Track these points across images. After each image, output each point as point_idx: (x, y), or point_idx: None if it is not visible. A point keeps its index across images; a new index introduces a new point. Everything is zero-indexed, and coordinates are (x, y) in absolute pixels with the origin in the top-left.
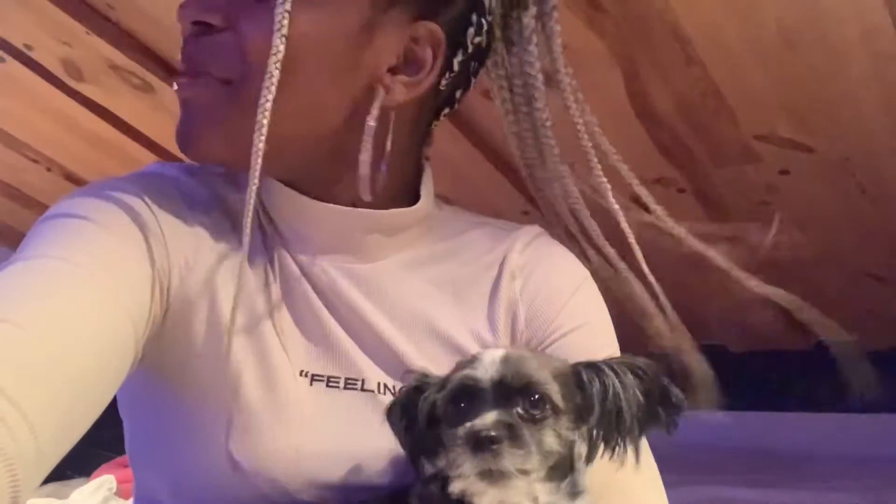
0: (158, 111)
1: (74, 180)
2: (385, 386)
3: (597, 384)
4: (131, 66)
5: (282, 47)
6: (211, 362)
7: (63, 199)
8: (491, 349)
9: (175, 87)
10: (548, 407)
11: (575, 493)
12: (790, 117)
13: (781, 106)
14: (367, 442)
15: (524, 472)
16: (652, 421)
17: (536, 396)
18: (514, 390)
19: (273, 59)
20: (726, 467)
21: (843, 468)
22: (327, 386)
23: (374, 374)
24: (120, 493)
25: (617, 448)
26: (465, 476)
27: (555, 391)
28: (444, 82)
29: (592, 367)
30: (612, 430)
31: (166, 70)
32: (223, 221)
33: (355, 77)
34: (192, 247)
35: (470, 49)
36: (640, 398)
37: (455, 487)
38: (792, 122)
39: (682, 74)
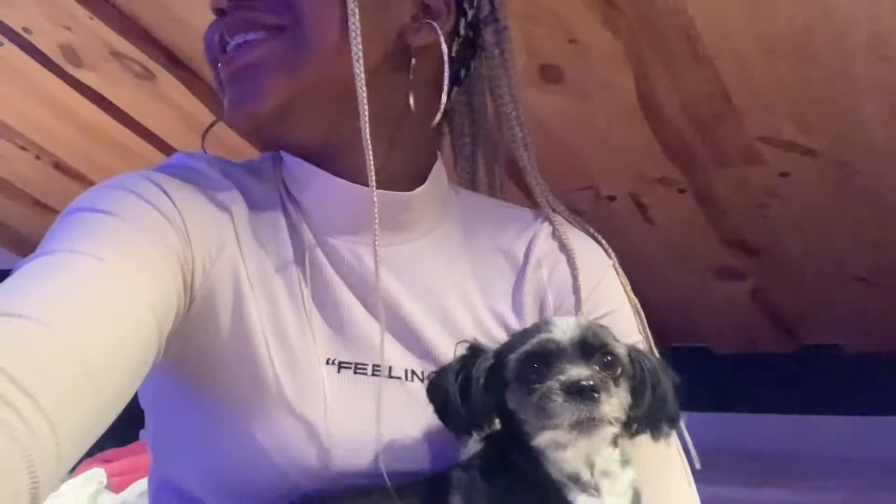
0: (158, 101)
1: (63, 170)
2: (413, 372)
3: (649, 365)
4: (133, 52)
5: None
6: (237, 354)
7: (86, 192)
8: (559, 316)
9: (223, 63)
10: (620, 368)
11: (624, 461)
12: (794, 119)
13: (787, 108)
14: (397, 428)
15: (616, 421)
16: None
17: (610, 357)
18: (593, 349)
19: None
20: (715, 467)
21: (825, 469)
22: (354, 373)
23: (402, 361)
24: (109, 487)
25: (659, 431)
26: (559, 426)
27: (623, 354)
28: (454, 47)
29: (639, 350)
30: (656, 412)
31: (169, 58)
32: (246, 213)
33: (387, 18)
34: (215, 240)
35: (469, 17)
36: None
37: (542, 440)
38: (796, 124)
39: (691, 75)
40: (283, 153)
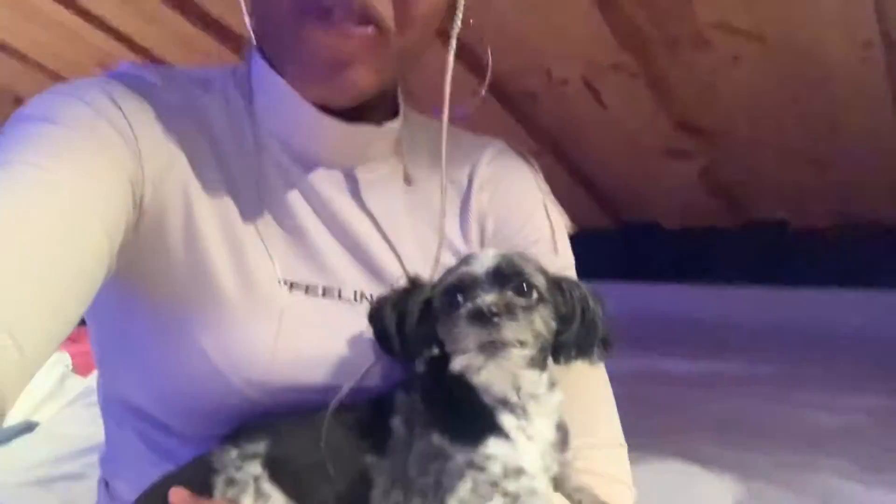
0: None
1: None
2: (362, 294)
3: (578, 293)
4: None
5: None
6: (188, 270)
7: (36, 98)
8: (483, 249)
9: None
10: (535, 294)
11: (551, 384)
12: (745, 5)
13: None
14: (344, 349)
15: (522, 343)
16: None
17: (526, 285)
18: (506, 278)
19: None
20: (657, 338)
21: (763, 340)
22: (306, 294)
23: (352, 283)
24: (75, 370)
25: (590, 355)
26: (467, 350)
27: (541, 282)
28: None
29: (568, 280)
30: (587, 337)
31: None
32: (196, 125)
33: None
34: (165, 153)
35: None
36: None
37: (457, 365)
38: (746, 10)
39: None
40: (253, 71)
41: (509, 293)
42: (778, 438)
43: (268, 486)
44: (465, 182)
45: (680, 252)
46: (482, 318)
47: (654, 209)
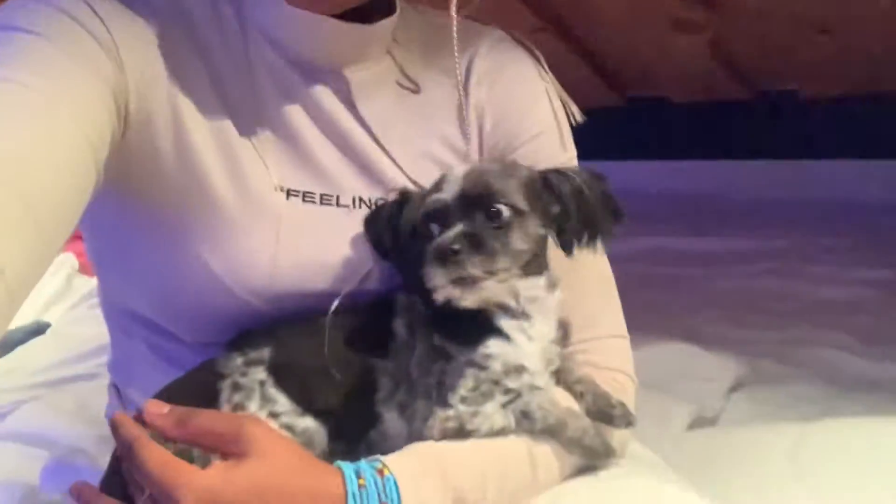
0: None
1: None
2: (360, 200)
3: (568, 187)
4: None
5: None
6: (180, 178)
7: (5, 6)
8: (457, 166)
9: None
10: (508, 213)
11: (552, 285)
12: None
13: None
14: (344, 254)
15: (492, 274)
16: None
17: (496, 207)
18: (473, 202)
19: None
20: (665, 216)
21: (778, 213)
22: (303, 201)
23: (350, 189)
24: (81, 268)
25: (589, 243)
26: (441, 286)
27: (516, 196)
28: None
29: (559, 172)
30: (586, 227)
31: None
32: (180, 27)
33: None
34: (149, 60)
35: None
36: (601, 199)
37: (438, 297)
38: None
39: None
40: None
41: (478, 219)
42: (782, 314)
43: (273, 391)
44: (462, 76)
45: (688, 127)
46: (444, 256)
47: (662, 84)
